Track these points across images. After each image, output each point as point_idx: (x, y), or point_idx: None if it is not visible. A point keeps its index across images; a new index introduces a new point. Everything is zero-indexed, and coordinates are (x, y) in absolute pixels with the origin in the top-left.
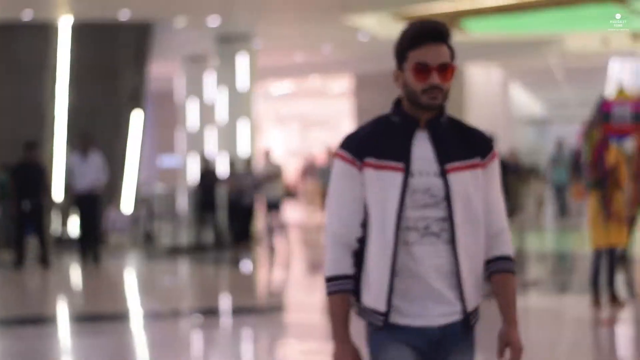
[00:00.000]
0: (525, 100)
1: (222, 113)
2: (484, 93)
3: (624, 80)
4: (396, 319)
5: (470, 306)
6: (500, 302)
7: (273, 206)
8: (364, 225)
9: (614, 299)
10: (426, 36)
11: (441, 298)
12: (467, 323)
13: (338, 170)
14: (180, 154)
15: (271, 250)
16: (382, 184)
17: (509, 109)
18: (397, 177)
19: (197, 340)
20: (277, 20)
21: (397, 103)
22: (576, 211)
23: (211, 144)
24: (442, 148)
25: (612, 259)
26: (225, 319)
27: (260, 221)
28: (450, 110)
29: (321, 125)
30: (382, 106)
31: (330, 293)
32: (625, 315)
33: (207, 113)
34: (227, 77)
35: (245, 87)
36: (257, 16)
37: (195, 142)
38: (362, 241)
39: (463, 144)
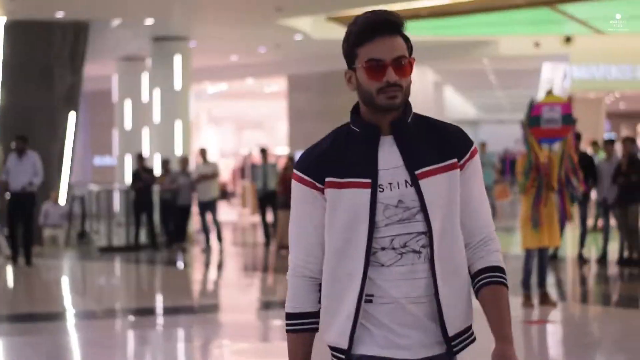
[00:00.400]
0: (458, 102)
1: (157, 113)
2: (418, 95)
3: (556, 83)
4: (365, 349)
5: (453, 330)
6: (491, 318)
7: (208, 206)
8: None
9: (546, 299)
10: (376, 28)
11: (421, 326)
12: (450, 351)
13: (296, 194)
14: (116, 153)
15: (206, 250)
16: (348, 204)
17: (442, 110)
18: (364, 194)
19: (131, 340)
20: (212, 21)
21: (355, 110)
22: (509, 213)
23: (146, 143)
24: (410, 152)
25: (543, 259)
26: (160, 319)
27: (195, 221)
28: None
29: (256, 126)
30: (315, 107)
31: (289, 332)
32: (556, 315)
33: (142, 113)
34: (162, 77)
35: (180, 88)
36: (193, 17)
37: (131, 141)
38: None
39: (435, 145)
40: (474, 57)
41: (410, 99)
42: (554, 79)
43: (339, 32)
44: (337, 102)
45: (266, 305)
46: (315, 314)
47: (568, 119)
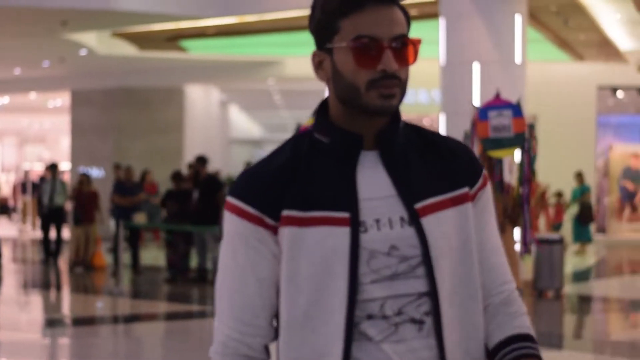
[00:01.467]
0: (243, 122)
1: None
2: (203, 114)
3: None
4: None
5: None
6: None
7: None
8: (276, 321)
9: None
10: None
11: None
12: None
13: (232, 233)
14: None
15: None
16: (316, 249)
17: (227, 129)
18: (339, 235)
19: None
20: None
21: (322, 110)
22: None
23: None
24: (405, 176)
25: None
26: None
27: None
28: (170, 131)
29: (38, 141)
30: (98, 123)
31: None
32: None
33: None
34: None
35: None
36: None
37: None
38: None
39: (437, 167)
40: (260, 76)
41: (195, 118)
42: None
43: (124, 48)
44: (120, 119)
45: (48, 324)
46: None
47: None
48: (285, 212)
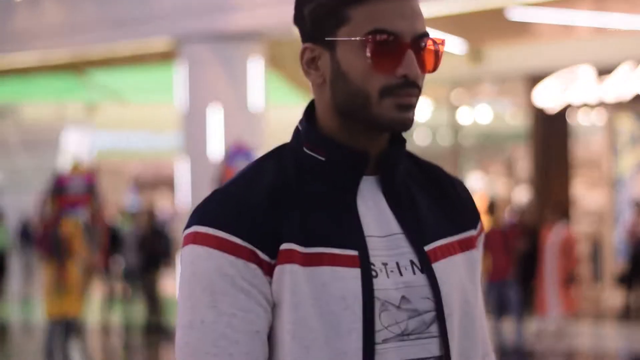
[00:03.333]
0: None
1: None
2: None
3: (80, 151)
4: None
5: None
6: None
7: None
8: None
9: None
10: None
11: None
12: None
13: (209, 274)
14: None
15: None
16: (321, 297)
17: None
18: (348, 278)
19: None
20: None
21: (311, 119)
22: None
23: None
24: (409, 211)
25: (67, 329)
26: None
27: None
28: None
29: None
30: None
31: None
32: None
33: None
34: None
35: None
36: None
37: None
38: None
39: (441, 204)
40: None
41: None
42: (78, 147)
43: None
44: None
45: None
46: None
47: (90, 188)
48: (285, 246)
